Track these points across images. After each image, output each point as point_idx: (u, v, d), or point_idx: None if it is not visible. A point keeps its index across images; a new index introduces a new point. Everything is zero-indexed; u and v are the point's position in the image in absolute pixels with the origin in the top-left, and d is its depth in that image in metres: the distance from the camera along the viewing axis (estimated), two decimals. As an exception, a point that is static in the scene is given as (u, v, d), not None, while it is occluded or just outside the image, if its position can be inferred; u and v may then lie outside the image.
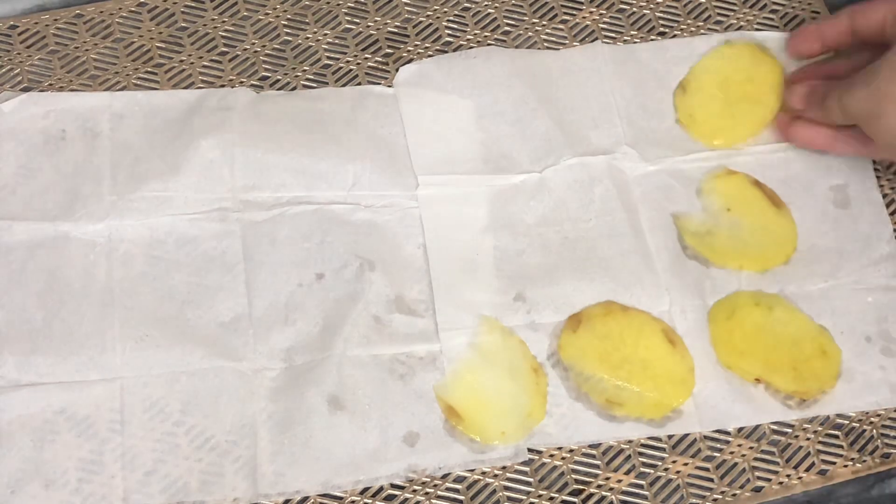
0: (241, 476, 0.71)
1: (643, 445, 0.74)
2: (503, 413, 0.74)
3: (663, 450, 0.74)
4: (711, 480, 0.73)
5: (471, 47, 0.86)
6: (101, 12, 0.86)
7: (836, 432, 0.75)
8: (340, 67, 0.85)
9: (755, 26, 0.88)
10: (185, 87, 0.83)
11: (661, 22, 0.89)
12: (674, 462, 0.73)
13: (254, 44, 0.85)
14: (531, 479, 0.73)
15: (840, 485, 0.74)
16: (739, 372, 0.75)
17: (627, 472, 0.73)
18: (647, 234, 0.80)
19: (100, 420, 0.72)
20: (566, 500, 0.72)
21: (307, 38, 0.86)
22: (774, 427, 0.75)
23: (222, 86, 0.83)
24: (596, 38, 0.87)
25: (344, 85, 0.84)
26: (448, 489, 0.72)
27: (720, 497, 0.73)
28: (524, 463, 0.73)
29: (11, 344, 0.73)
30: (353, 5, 0.88)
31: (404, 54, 0.86)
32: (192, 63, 0.84)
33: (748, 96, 0.84)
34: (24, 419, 0.71)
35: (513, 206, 0.80)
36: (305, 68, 0.85)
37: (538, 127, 0.83)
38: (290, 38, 0.86)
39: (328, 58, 0.85)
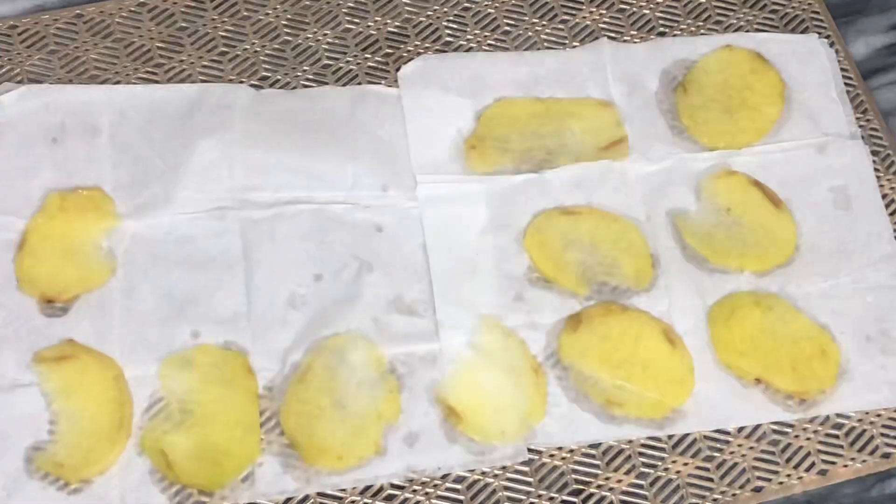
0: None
1: (643, 445, 0.74)
2: (503, 413, 0.73)
3: (663, 450, 0.74)
4: (711, 480, 0.73)
5: (471, 47, 0.86)
6: (101, 12, 0.86)
7: (836, 432, 0.75)
8: (340, 67, 0.85)
9: (755, 26, 0.88)
10: (185, 87, 0.83)
11: (661, 22, 0.89)
12: (674, 462, 0.73)
13: (254, 44, 0.85)
14: (531, 479, 0.72)
15: (840, 485, 0.73)
16: (739, 372, 0.75)
17: (627, 472, 0.73)
18: (648, 235, 0.80)
19: (99, 420, 0.72)
20: (566, 500, 0.72)
21: (307, 38, 0.86)
22: (774, 427, 0.74)
23: (222, 85, 0.84)
24: (596, 38, 0.87)
25: (344, 85, 0.84)
26: (448, 489, 0.72)
27: (720, 497, 0.72)
28: (524, 463, 0.73)
29: (11, 343, 0.73)
30: (353, 5, 0.88)
31: (404, 54, 0.86)
32: (191, 63, 0.84)
33: (747, 104, 0.84)
34: (24, 419, 0.71)
35: (512, 206, 0.80)
36: (305, 68, 0.85)
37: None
38: (290, 38, 0.86)
39: (328, 58, 0.85)
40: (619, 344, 0.75)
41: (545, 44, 0.87)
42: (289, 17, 0.87)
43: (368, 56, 0.86)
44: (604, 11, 0.89)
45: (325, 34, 0.86)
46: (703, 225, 0.80)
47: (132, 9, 0.86)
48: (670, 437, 0.74)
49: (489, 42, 0.87)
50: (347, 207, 0.79)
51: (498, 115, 0.83)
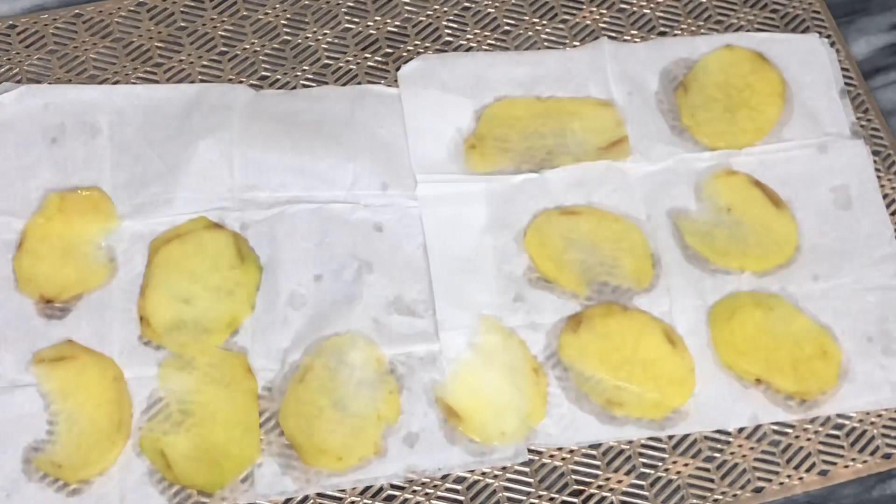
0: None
1: (643, 446, 0.74)
2: (503, 413, 0.73)
3: (664, 450, 0.74)
4: (712, 481, 0.73)
5: (471, 47, 0.86)
6: (101, 12, 0.86)
7: (836, 432, 0.74)
8: (340, 67, 0.85)
9: (756, 26, 0.88)
10: (185, 87, 0.83)
11: (662, 21, 0.88)
12: (674, 462, 0.73)
13: (253, 43, 0.85)
14: (531, 480, 0.72)
15: (841, 485, 0.73)
16: (740, 372, 0.75)
17: (628, 473, 0.73)
18: (648, 235, 0.79)
19: (98, 420, 0.72)
20: (566, 500, 0.72)
21: (307, 37, 0.86)
22: (775, 427, 0.74)
23: (221, 85, 0.83)
24: (596, 38, 0.87)
25: (344, 85, 0.84)
26: (448, 489, 0.72)
27: (721, 497, 0.72)
28: (524, 463, 0.73)
29: (10, 343, 0.73)
30: (352, 5, 0.88)
31: (404, 54, 0.86)
32: (191, 63, 0.84)
33: (748, 104, 0.84)
34: (23, 420, 0.71)
35: (512, 206, 0.80)
36: (305, 68, 0.85)
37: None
38: (289, 38, 0.86)
39: (328, 57, 0.85)
40: (619, 344, 0.75)
41: (545, 43, 0.87)
42: (288, 16, 0.87)
43: (368, 56, 0.86)
44: (604, 11, 0.89)
45: (325, 34, 0.86)
46: (704, 225, 0.80)
47: (131, 8, 0.86)
48: (671, 437, 0.74)
49: (489, 42, 0.87)
50: (347, 207, 0.79)
51: (498, 114, 0.83)
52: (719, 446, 0.74)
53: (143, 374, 0.73)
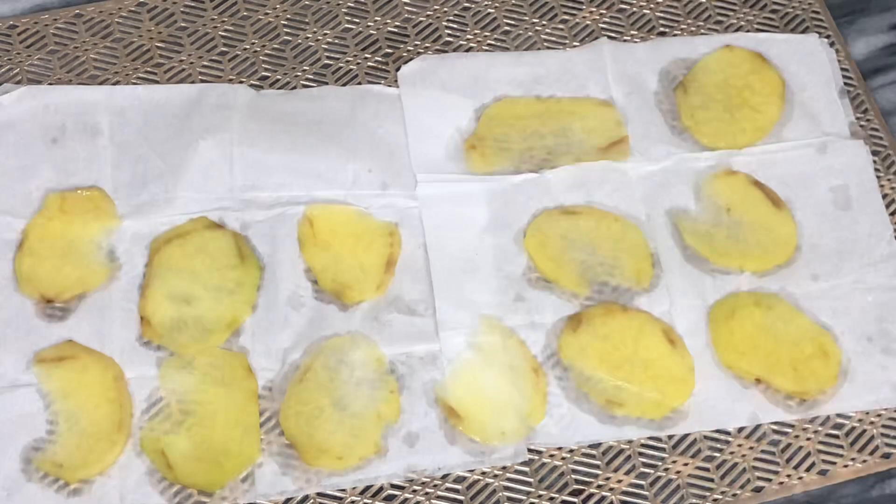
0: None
1: (643, 445, 0.74)
2: (503, 413, 0.73)
3: (663, 450, 0.74)
4: (712, 480, 0.73)
5: (471, 47, 0.86)
6: (101, 12, 0.86)
7: (836, 432, 0.74)
8: (340, 67, 0.85)
9: (755, 26, 0.88)
10: (185, 87, 0.83)
11: (662, 21, 0.88)
12: (674, 462, 0.73)
13: (253, 43, 0.85)
14: (531, 480, 0.72)
15: (840, 485, 0.73)
16: (739, 372, 0.75)
17: (628, 473, 0.73)
18: (648, 234, 0.79)
19: (99, 420, 0.72)
20: (566, 500, 0.72)
21: (307, 37, 0.86)
22: (775, 427, 0.74)
23: (222, 85, 0.83)
24: (596, 38, 0.87)
25: (344, 85, 0.84)
26: (448, 489, 0.72)
27: (720, 497, 0.72)
28: (524, 463, 0.73)
29: (10, 343, 0.73)
30: (353, 5, 0.88)
31: (404, 54, 0.86)
32: (191, 63, 0.84)
33: (747, 104, 0.84)
34: (23, 419, 0.71)
35: (512, 206, 0.80)
36: (305, 68, 0.85)
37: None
38: (289, 38, 0.86)
39: (328, 58, 0.85)
40: (619, 344, 0.75)
41: (545, 44, 0.87)
42: (289, 17, 0.87)
43: (368, 56, 0.86)
44: (604, 11, 0.89)
45: (325, 34, 0.86)
46: (704, 225, 0.80)
47: (132, 9, 0.86)
48: (670, 437, 0.74)
49: (489, 42, 0.87)
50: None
51: (498, 114, 0.83)
52: (719, 446, 0.74)
53: (144, 374, 0.73)
